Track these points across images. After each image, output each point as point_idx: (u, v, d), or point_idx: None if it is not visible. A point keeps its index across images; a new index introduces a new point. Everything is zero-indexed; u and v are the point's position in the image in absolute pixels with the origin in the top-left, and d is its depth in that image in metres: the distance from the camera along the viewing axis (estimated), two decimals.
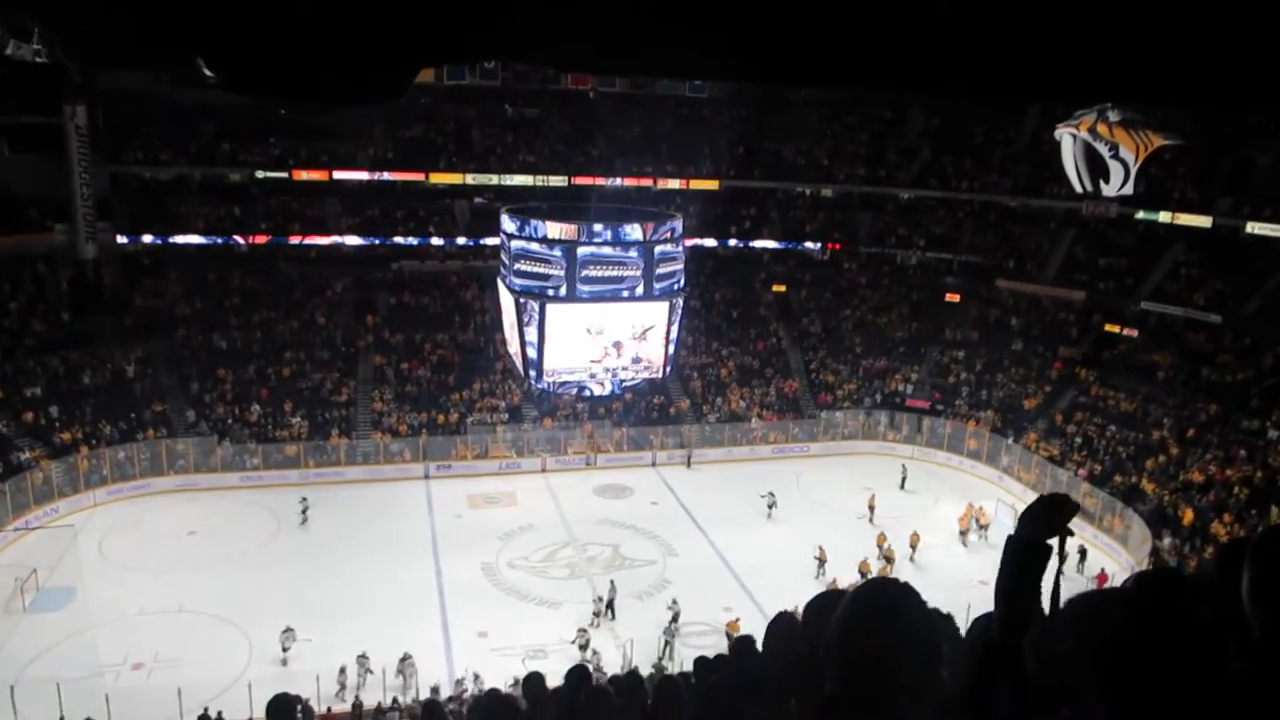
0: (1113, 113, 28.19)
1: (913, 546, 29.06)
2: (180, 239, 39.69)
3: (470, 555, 28.46)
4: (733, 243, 46.32)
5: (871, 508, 31.78)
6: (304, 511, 29.80)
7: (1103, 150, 28.99)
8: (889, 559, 28.13)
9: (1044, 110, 39.96)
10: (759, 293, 45.71)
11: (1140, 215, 39.08)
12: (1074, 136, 28.90)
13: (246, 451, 33.70)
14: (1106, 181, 29.28)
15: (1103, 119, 28.32)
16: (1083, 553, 29.09)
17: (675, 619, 24.34)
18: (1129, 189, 29.33)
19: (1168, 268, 39.27)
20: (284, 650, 22.21)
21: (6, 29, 17.65)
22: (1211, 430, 32.62)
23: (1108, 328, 38.80)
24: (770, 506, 31.37)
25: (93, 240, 36.85)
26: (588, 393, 25.62)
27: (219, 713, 18.83)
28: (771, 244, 46.64)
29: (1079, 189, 30.28)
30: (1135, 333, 38.16)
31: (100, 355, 34.87)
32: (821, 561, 27.69)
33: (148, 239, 39.17)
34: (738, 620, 23.61)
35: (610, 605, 25.26)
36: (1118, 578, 25.85)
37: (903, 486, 35.09)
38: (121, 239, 38.42)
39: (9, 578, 25.15)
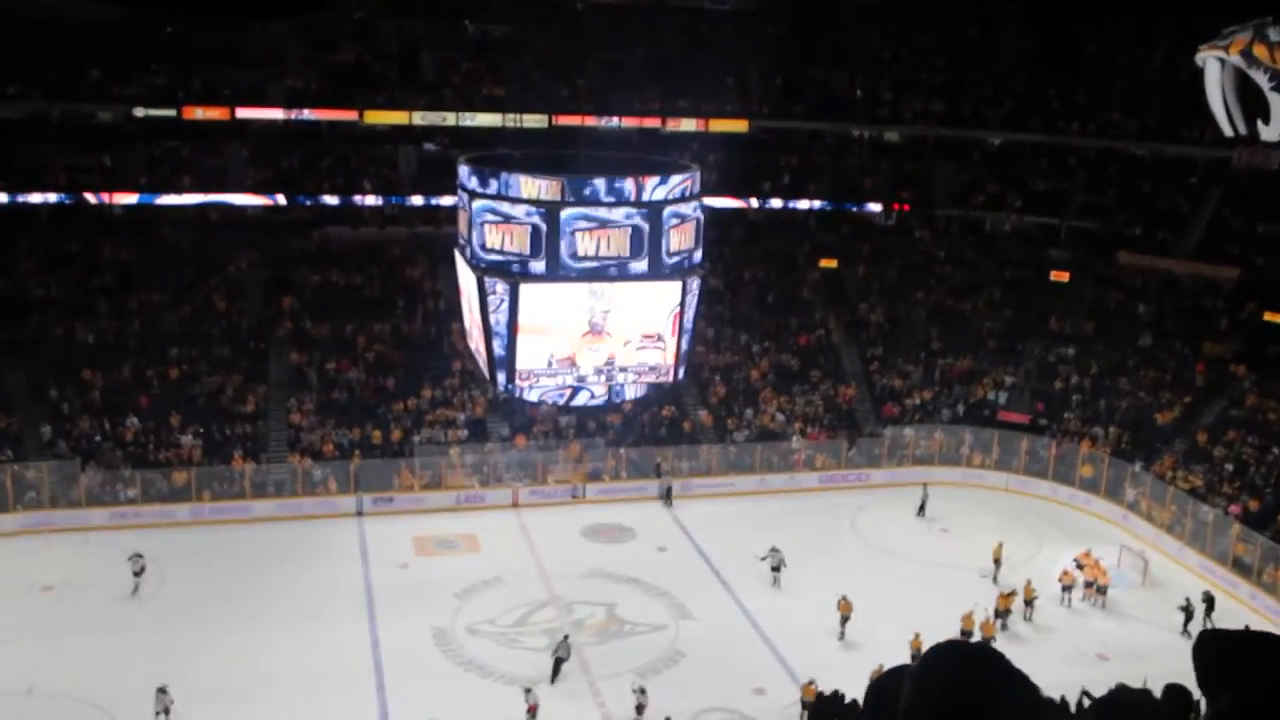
0: (1275, 30, 27.83)
1: (1000, 614, 28.54)
2: (34, 197, 39.64)
3: (418, 618, 28.29)
4: (768, 203, 46.08)
5: (998, 561, 31.16)
6: (137, 574, 28.52)
7: (1261, 80, 28.58)
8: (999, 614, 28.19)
9: (1181, 27, 39.58)
10: (802, 269, 45.54)
11: None
12: (1222, 62, 28.55)
13: (120, 480, 33.60)
14: (1265, 121, 28.91)
15: (1261, 38, 27.94)
16: (1209, 601, 29.09)
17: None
18: None
19: None
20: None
21: None
22: None
23: (1268, 316, 38.43)
24: (775, 570, 30.53)
25: None
26: (575, 402, 25.42)
27: None
28: (819, 205, 46.43)
29: (1228, 132, 29.90)
30: None
31: None
32: (845, 618, 27.58)
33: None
34: (813, 684, 23.26)
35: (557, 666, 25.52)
36: None
37: (921, 512, 35.65)
38: None
39: None
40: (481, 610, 28.97)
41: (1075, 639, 28.41)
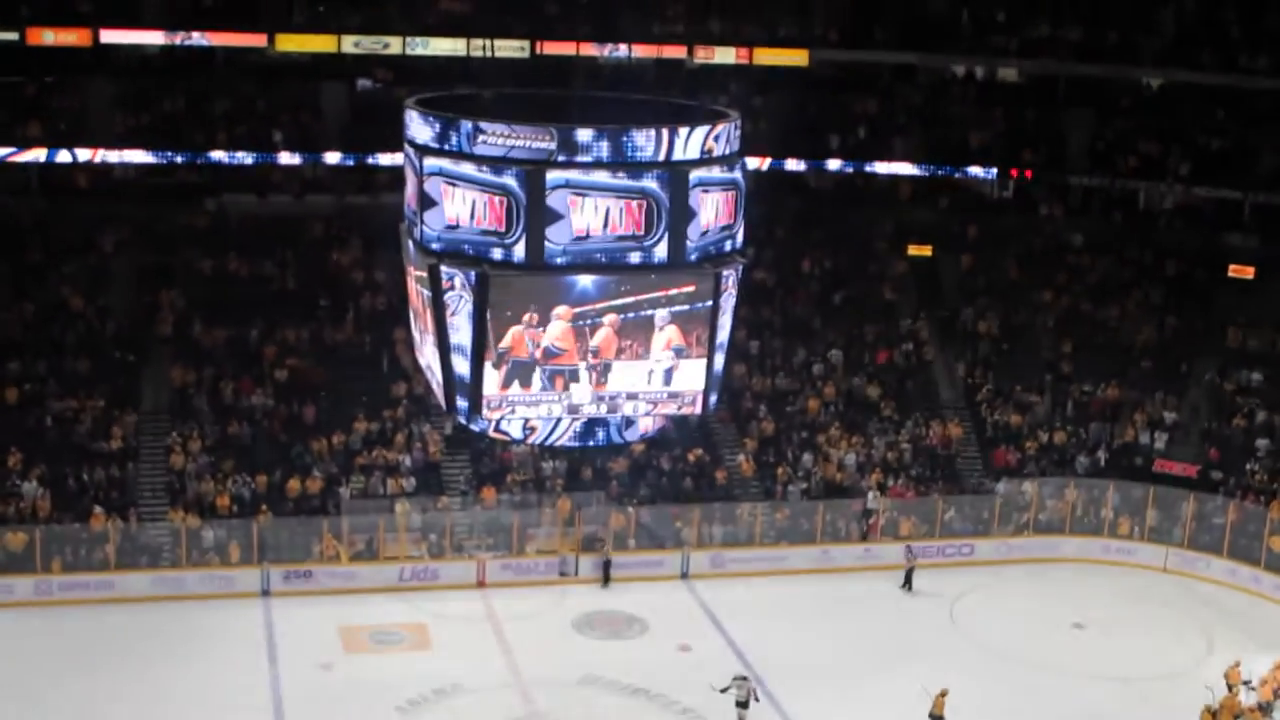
0: None
1: None
2: None
3: None
4: (834, 165, 46.30)
5: (1233, 684, 30.22)
6: None
7: None
8: None
9: None
10: (883, 259, 45.82)
11: None
12: None
13: None
14: None
15: None
16: None
17: None
18: None
19: None
20: None
21: None
22: None
23: None
24: (741, 706, 29.51)
25: None
26: (564, 440, 25.59)
27: None
28: (907, 169, 46.67)
29: None
30: None
31: None
32: (936, 718, 27.95)
33: None
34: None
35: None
36: None
37: (906, 585, 36.47)
38: None
39: None
40: None
41: None
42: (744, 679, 29.24)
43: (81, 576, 34.22)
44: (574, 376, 23.62)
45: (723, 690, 29.08)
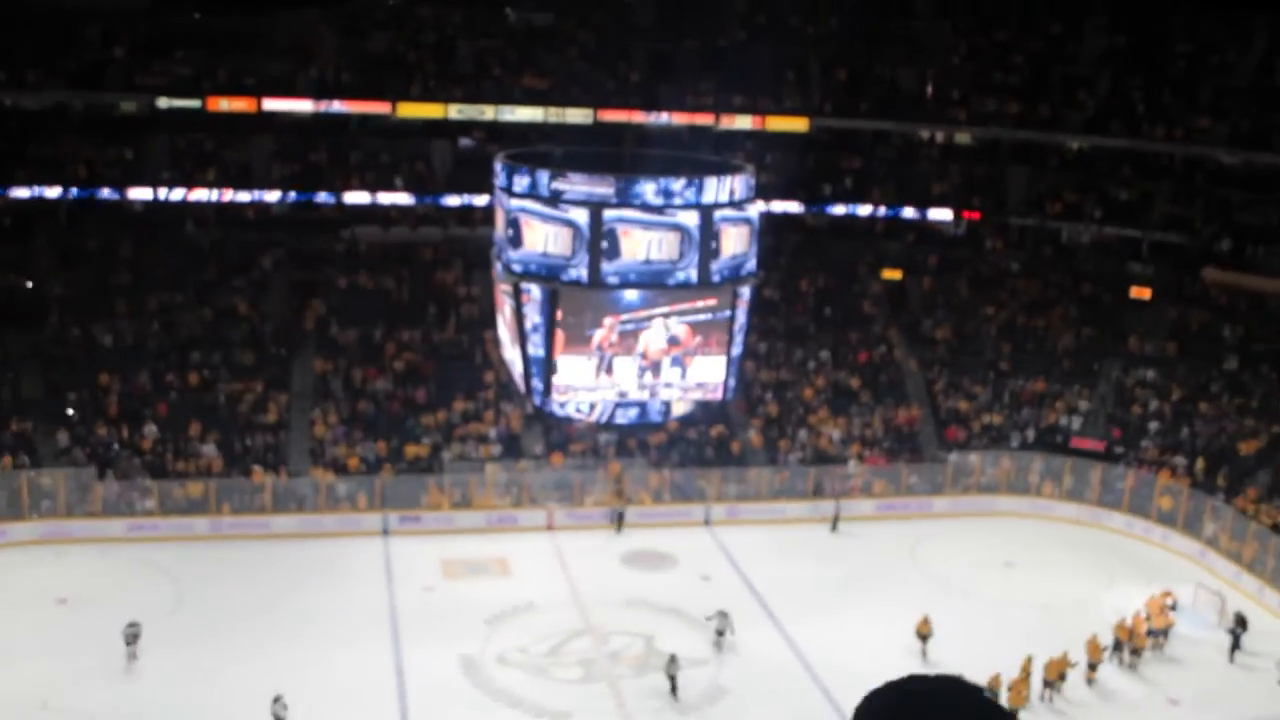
0: None
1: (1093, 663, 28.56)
2: (52, 191, 40.58)
3: (445, 644, 28.80)
4: (828, 209, 46.39)
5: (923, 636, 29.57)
6: (130, 643, 26.91)
7: None
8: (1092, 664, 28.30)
9: (1277, 27, 39.68)
10: (864, 280, 45.92)
11: None
12: None
13: (137, 490, 34.40)
14: None
15: None
16: (1241, 622, 30.00)
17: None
18: None
19: None
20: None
21: None
22: None
23: None
24: (720, 634, 29.34)
25: None
26: (616, 419, 25.81)
27: None
28: (883, 211, 46.69)
29: None
30: None
31: None
32: (924, 637, 28.30)
33: (10, 192, 40.16)
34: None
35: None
36: None
37: (834, 528, 36.71)
38: None
39: None
40: (512, 638, 29.43)
41: (1146, 684, 28.69)
42: (724, 614, 29.33)
43: (244, 518, 34.72)
44: (623, 370, 23.91)
45: (707, 619, 29.41)
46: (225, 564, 32.40)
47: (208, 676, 26.20)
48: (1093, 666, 28.09)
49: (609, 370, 24.06)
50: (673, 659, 26.83)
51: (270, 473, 35.71)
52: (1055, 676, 27.23)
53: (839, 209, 46.52)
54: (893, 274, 45.90)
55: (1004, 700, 25.92)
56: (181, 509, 34.45)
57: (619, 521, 36.30)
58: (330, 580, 32.02)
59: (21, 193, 40.17)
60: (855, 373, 42.49)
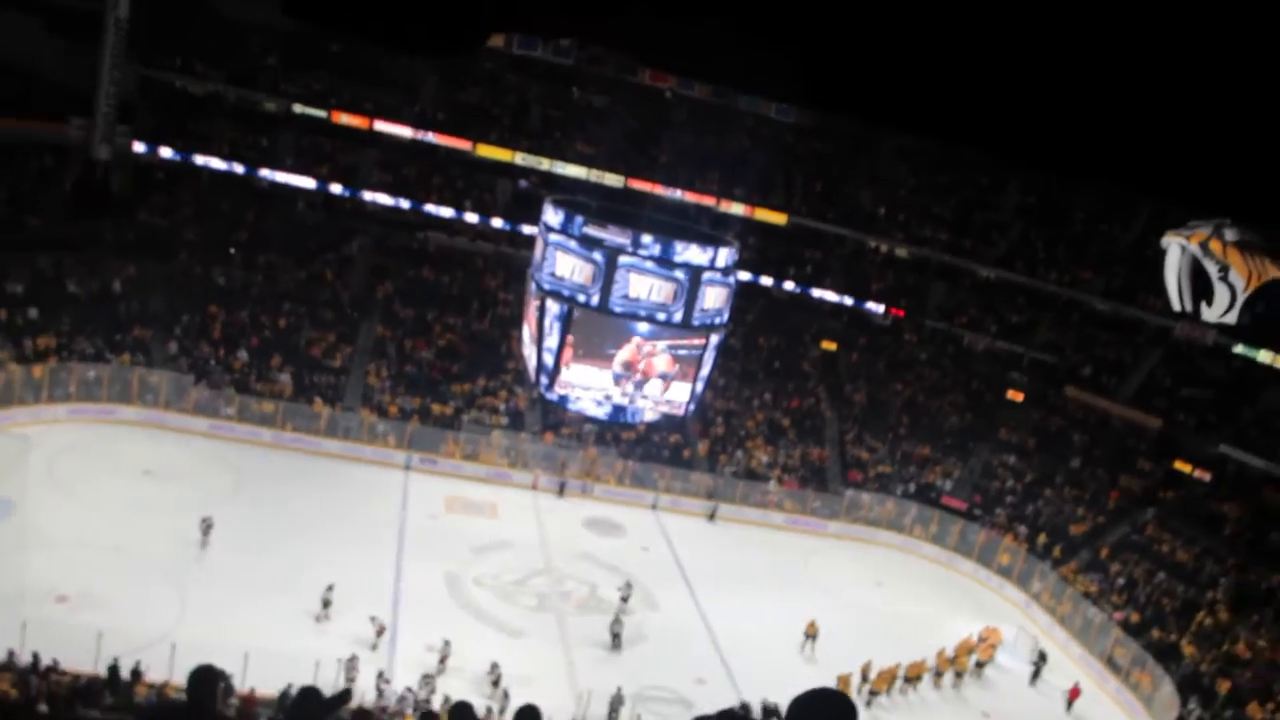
0: (1230, 230, 28.33)
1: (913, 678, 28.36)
2: (200, 159, 40.64)
3: (437, 561, 28.96)
4: (789, 286, 46.65)
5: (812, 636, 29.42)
6: (204, 533, 26.58)
7: (1211, 269, 29.09)
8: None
9: (1155, 212, 40.19)
10: (806, 346, 46.11)
11: (1239, 349, 39.12)
12: (1183, 248, 29.02)
13: (223, 398, 34.39)
14: (1209, 304, 29.33)
15: (1217, 235, 28.45)
16: (1042, 656, 30.50)
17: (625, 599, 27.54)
18: (1232, 317, 29.36)
19: (1259, 413, 39.21)
20: (324, 606, 24.30)
21: None
22: (1272, 603, 32.48)
23: (1178, 465, 38.73)
24: (624, 599, 28.84)
25: (109, 142, 37.84)
26: (598, 414, 25.95)
27: (136, 663, 19.30)
28: (831, 296, 46.93)
29: (1177, 307, 30.32)
30: (1208, 476, 38.06)
31: (91, 264, 35.82)
32: (810, 636, 28.25)
33: (166, 152, 40.10)
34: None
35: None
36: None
37: (713, 516, 37.07)
38: (139, 146, 39.38)
39: None
40: (489, 566, 29.59)
41: (963, 700, 28.86)
42: (629, 584, 29.31)
43: (302, 436, 34.67)
44: (611, 379, 24.05)
45: (617, 588, 29.21)
46: (280, 467, 32.51)
47: (247, 554, 26.29)
48: (910, 680, 28.09)
49: (597, 378, 24.22)
50: (617, 618, 26.90)
51: (328, 405, 35.71)
52: (883, 685, 27.16)
53: (797, 288, 46.73)
54: (829, 345, 46.08)
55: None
56: (254, 419, 34.40)
57: (561, 489, 36.39)
58: (359, 495, 32.14)
59: (176, 155, 40.15)
60: (787, 414, 42.64)
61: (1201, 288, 29.29)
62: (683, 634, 28.31)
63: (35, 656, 19.20)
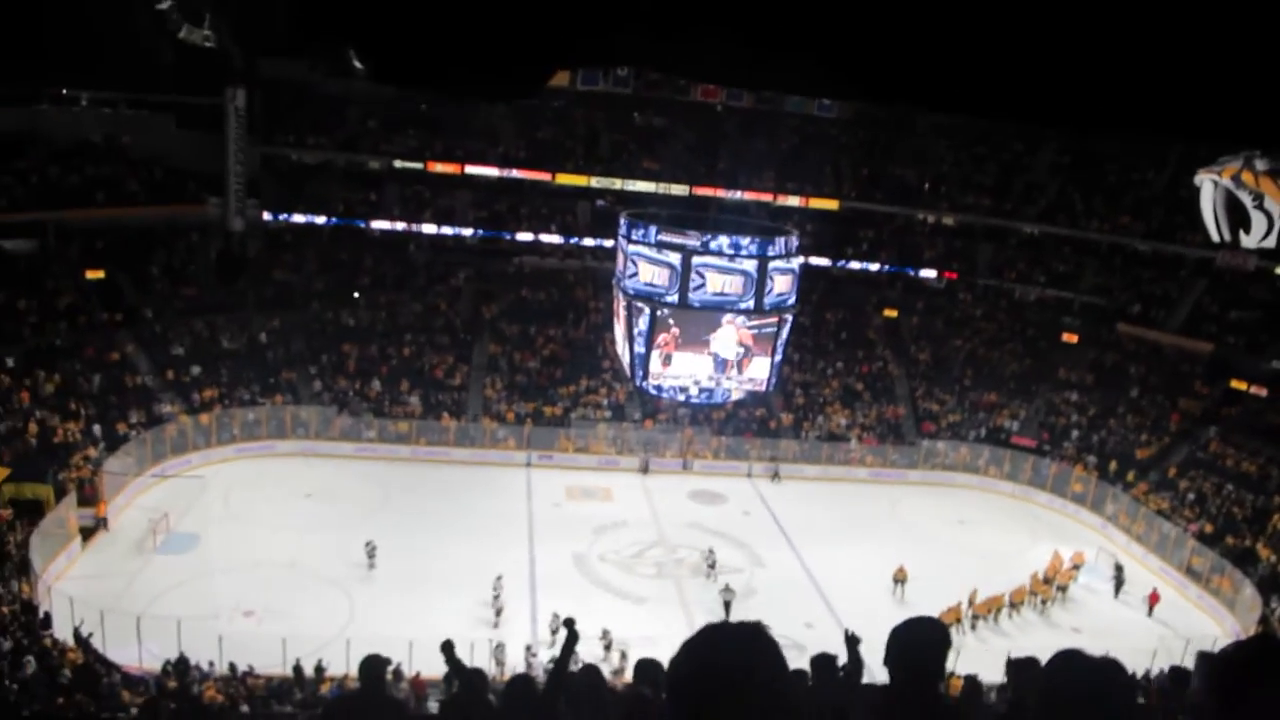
0: (1260, 161, 26.47)
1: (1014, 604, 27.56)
2: (320, 219, 41.47)
3: (563, 544, 29.00)
4: (848, 264, 45.61)
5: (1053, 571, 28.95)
6: (371, 555, 26.23)
7: (1246, 200, 27.19)
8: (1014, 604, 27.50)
9: (1185, 154, 38.16)
10: (869, 316, 45.05)
11: None
12: (1215, 183, 27.19)
13: (363, 424, 34.99)
14: (1247, 232, 27.45)
15: (1248, 167, 26.60)
16: (1119, 569, 29.30)
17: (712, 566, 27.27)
18: (1271, 242, 27.55)
19: None
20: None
21: (182, 14, 18.86)
22: None
23: (1234, 384, 36.72)
24: (710, 566, 28.08)
25: (241, 215, 38.43)
26: (690, 399, 25.64)
27: (318, 661, 19.61)
28: (887, 268, 45.78)
29: (1216, 238, 28.46)
30: (1264, 391, 35.99)
31: (240, 322, 36.82)
32: (899, 581, 27.41)
33: (291, 217, 41.01)
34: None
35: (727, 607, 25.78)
36: (1219, 640, 24.53)
37: (776, 477, 35.89)
38: (267, 215, 40.33)
39: (144, 519, 26.83)
40: (610, 544, 29.56)
41: (1052, 620, 27.78)
42: (712, 550, 28.53)
43: (434, 448, 35.06)
44: (698, 366, 23.70)
45: (706, 553, 28.52)
46: (419, 478, 32.90)
47: (400, 556, 26.57)
48: (1015, 606, 27.26)
49: (687, 366, 23.89)
50: (727, 587, 26.39)
51: (453, 419, 36.05)
52: (987, 611, 26.48)
53: (855, 265, 45.71)
54: (891, 312, 44.95)
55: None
56: (392, 439, 34.96)
57: (686, 467, 36.11)
58: (489, 494, 32.34)
59: (299, 218, 41.02)
60: (860, 379, 41.72)
61: (1238, 218, 27.52)
62: (789, 585, 27.84)
63: (232, 666, 19.65)
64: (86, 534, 25.75)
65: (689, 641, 1.91)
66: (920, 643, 3.09)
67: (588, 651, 22.41)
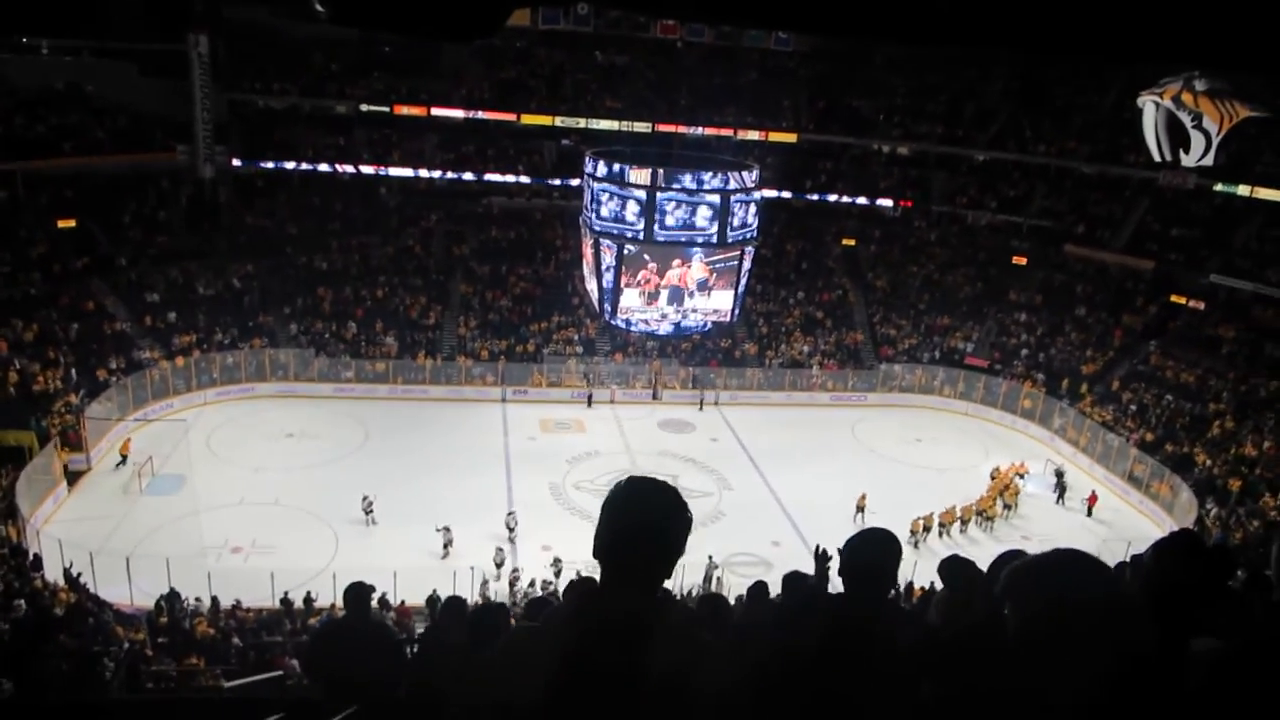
0: (1199, 81, 26.49)
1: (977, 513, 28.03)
2: (289, 164, 40.31)
3: (540, 475, 29.01)
4: (807, 196, 45.28)
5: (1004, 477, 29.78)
6: (368, 511, 25.25)
7: (1185, 120, 27.32)
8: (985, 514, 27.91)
9: (1130, 77, 37.93)
10: (829, 246, 44.87)
11: (1219, 188, 37.09)
12: (1157, 104, 27.26)
13: (341, 365, 34.59)
14: (1187, 152, 27.62)
15: (1188, 88, 26.64)
16: (1059, 474, 29.98)
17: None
18: (1209, 160, 27.64)
19: (1242, 241, 37.31)
20: (445, 546, 23.56)
21: None
22: (1272, 407, 31.20)
23: (1174, 299, 37.17)
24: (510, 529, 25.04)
25: (210, 162, 37.75)
26: (658, 331, 25.58)
27: (307, 593, 19.66)
28: (845, 199, 45.40)
29: (1157, 158, 28.61)
30: (1202, 305, 36.48)
31: (214, 268, 35.95)
32: (860, 509, 27.37)
33: (262, 164, 39.86)
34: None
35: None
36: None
37: (700, 408, 35.74)
38: (237, 162, 39.20)
39: (129, 463, 26.44)
40: (584, 473, 29.59)
41: (1011, 530, 28.38)
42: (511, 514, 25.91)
43: (412, 386, 34.73)
44: (664, 300, 23.60)
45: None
46: (398, 416, 32.65)
47: (382, 490, 26.32)
48: (965, 521, 27.68)
49: (653, 299, 23.75)
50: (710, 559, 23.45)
51: (429, 358, 35.71)
52: (949, 521, 27.01)
53: (814, 196, 45.40)
54: (849, 242, 44.77)
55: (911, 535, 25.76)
56: (370, 379, 34.61)
57: (656, 398, 36.07)
58: (467, 430, 32.18)
59: (268, 165, 39.99)
60: (820, 308, 41.72)
61: (1178, 137, 27.55)
62: (756, 507, 28.08)
63: (215, 600, 19.64)
64: (72, 479, 25.41)
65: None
66: (871, 552, 3.08)
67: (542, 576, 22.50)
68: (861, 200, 45.50)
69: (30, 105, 35.69)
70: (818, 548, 6.61)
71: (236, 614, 19.59)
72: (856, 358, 39.75)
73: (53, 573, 19.98)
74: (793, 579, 6.87)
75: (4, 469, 22.90)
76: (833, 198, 45.41)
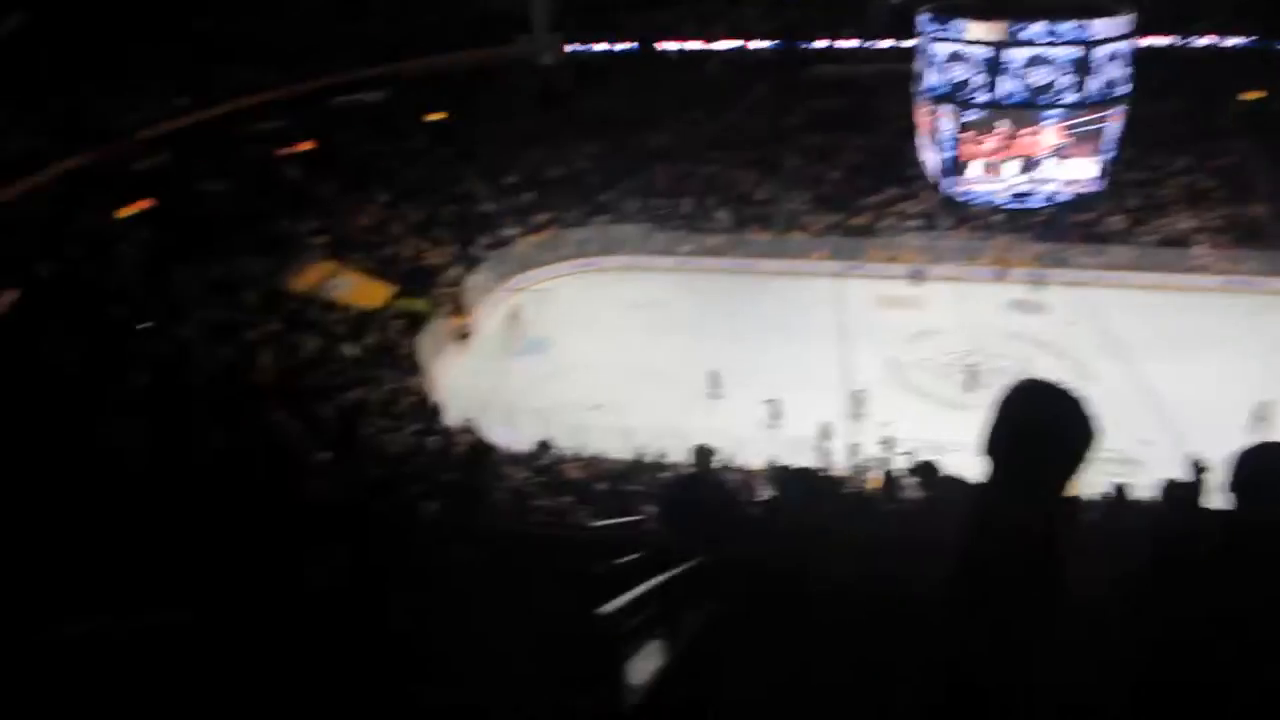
0: None
1: None
2: (620, 45, 43.52)
3: (875, 351, 30.24)
4: (1194, 42, 40.82)
5: None
6: (715, 385, 27.48)
7: None
8: None
9: None
10: (1223, 102, 40.49)
11: None
12: None
13: (679, 240, 38.00)
14: None
15: None
16: None
17: None
18: None
19: None
20: (775, 418, 25.66)
21: None
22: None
23: None
24: (774, 418, 25.90)
25: (550, 49, 42.17)
26: (1006, 204, 25.57)
27: (658, 451, 23.25)
28: (1250, 41, 40.18)
29: None
30: None
31: (561, 150, 40.68)
32: (1261, 417, 24.24)
33: (593, 47, 43.47)
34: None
35: None
36: None
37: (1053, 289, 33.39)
38: (569, 48, 43.06)
39: (503, 328, 32.58)
40: (924, 352, 30.35)
41: None
42: (774, 401, 26.42)
43: (746, 259, 37.07)
44: (1014, 168, 23.71)
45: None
46: (733, 288, 35.30)
47: (720, 360, 28.57)
48: None
49: (999, 170, 23.87)
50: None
51: (761, 232, 37.92)
52: None
53: (1204, 41, 40.43)
54: (1254, 94, 39.58)
55: None
56: (705, 252, 37.64)
57: (1003, 276, 35.63)
58: (805, 305, 34.04)
59: (600, 47, 43.28)
60: (1211, 176, 38.10)
61: None
62: (1120, 401, 26.02)
63: (580, 450, 23.82)
64: (459, 341, 31.74)
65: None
66: (1271, 469, 2.72)
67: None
68: (1270, 44, 40.10)
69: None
70: (1196, 460, 7.24)
71: (599, 462, 23.65)
72: (1257, 235, 36.25)
73: (452, 419, 25.30)
74: (1175, 489, 7.32)
75: (409, 331, 29.00)
76: (1230, 42, 40.64)
